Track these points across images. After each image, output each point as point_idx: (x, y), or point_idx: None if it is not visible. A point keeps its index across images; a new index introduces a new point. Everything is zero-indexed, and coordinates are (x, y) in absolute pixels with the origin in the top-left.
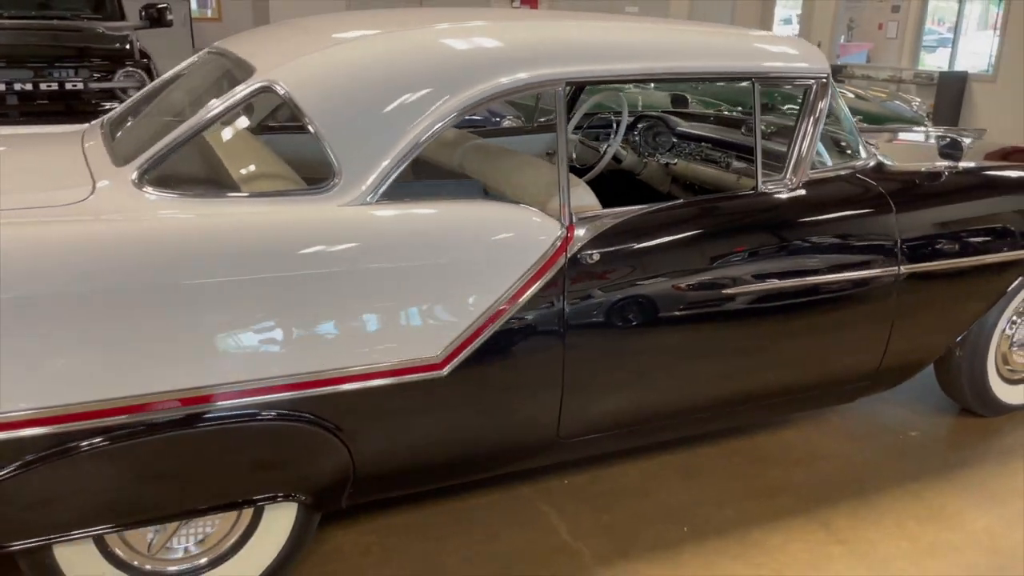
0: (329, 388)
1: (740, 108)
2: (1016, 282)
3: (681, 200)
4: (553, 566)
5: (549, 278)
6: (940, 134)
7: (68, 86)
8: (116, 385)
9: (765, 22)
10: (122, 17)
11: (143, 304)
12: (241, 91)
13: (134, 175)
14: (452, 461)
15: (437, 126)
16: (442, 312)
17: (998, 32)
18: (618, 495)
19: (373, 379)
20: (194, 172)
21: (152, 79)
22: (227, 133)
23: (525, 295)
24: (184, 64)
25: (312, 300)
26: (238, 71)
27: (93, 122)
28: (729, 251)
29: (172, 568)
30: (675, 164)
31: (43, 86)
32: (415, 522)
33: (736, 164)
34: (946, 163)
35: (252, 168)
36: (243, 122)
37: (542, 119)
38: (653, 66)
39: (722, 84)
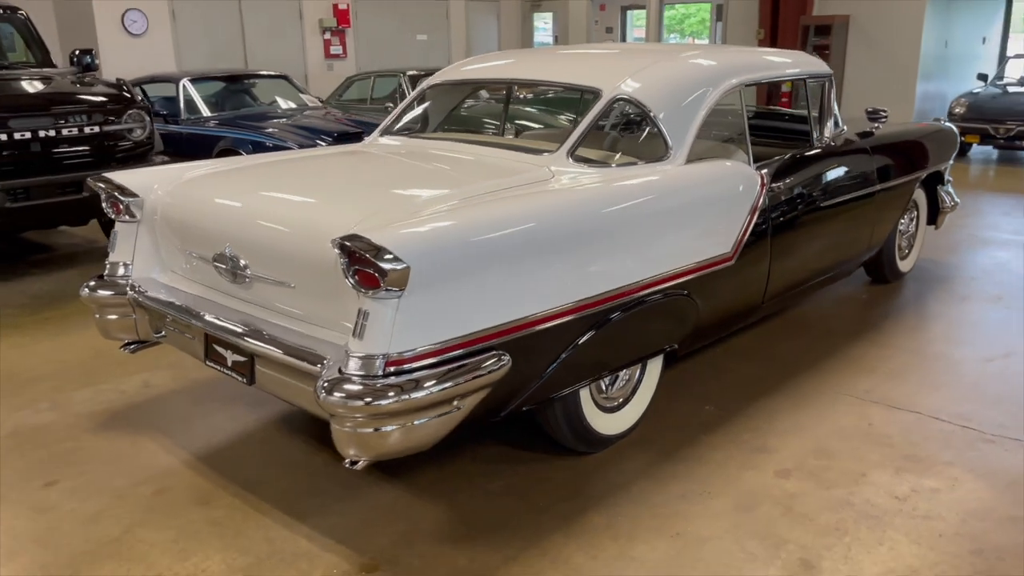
0: (694, 275)
1: None
2: (912, 195)
3: (796, 151)
4: (753, 388)
5: (763, 201)
6: (869, 110)
7: (87, 130)
8: (610, 280)
9: (525, 37)
10: (51, 64)
11: (614, 232)
12: (603, 101)
13: (567, 158)
14: (728, 318)
15: (707, 114)
16: (730, 225)
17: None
18: (757, 349)
19: (709, 268)
20: (588, 155)
21: (151, 118)
22: (598, 132)
23: (756, 212)
24: (415, 95)
25: (677, 224)
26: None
27: (370, 139)
28: (820, 172)
29: (608, 405)
30: None
31: (64, 132)
32: (674, 377)
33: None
34: (874, 124)
35: (610, 150)
36: (602, 122)
37: None
38: (769, 73)
39: None
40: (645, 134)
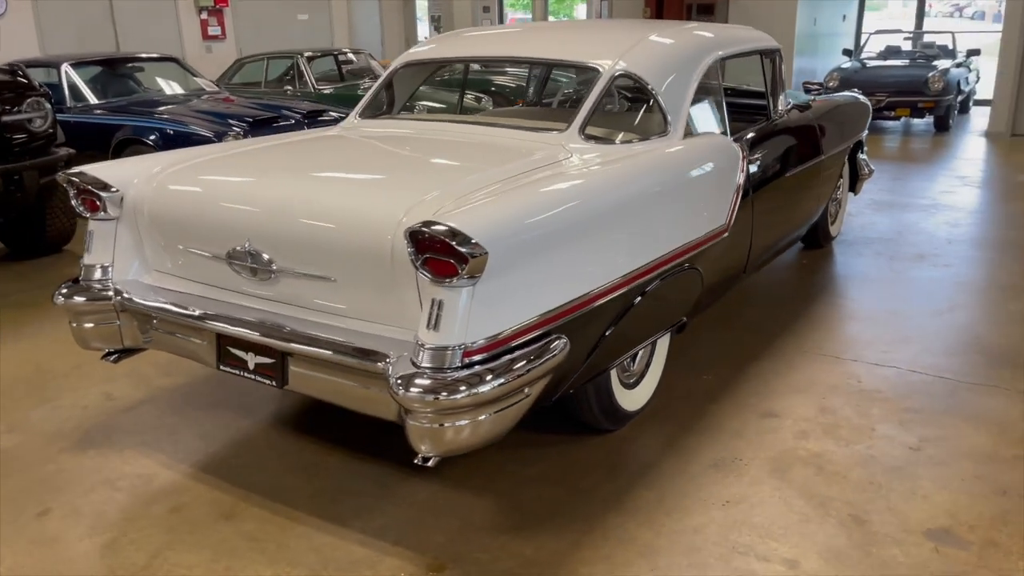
0: (700, 248)
1: None
2: (844, 162)
3: (760, 123)
4: (739, 354)
5: (745, 171)
6: (805, 83)
7: None
8: (648, 253)
9: (408, 17)
10: None
11: (655, 205)
12: (605, 78)
13: (578, 136)
14: (719, 288)
15: (696, 88)
16: (724, 197)
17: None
18: (726, 317)
19: (711, 241)
20: (595, 132)
21: (52, 105)
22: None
23: (741, 182)
24: (388, 75)
25: (695, 195)
26: (519, 68)
27: (346, 123)
28: (781, 144)
29: (630, 380)
30: None
31: None
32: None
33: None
34: (810, 96)
35: (612, 127)
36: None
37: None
38: (740, 47)
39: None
40: (645, 110)
